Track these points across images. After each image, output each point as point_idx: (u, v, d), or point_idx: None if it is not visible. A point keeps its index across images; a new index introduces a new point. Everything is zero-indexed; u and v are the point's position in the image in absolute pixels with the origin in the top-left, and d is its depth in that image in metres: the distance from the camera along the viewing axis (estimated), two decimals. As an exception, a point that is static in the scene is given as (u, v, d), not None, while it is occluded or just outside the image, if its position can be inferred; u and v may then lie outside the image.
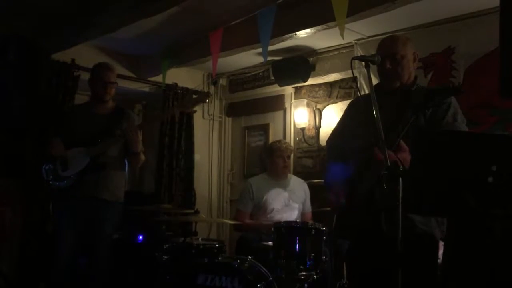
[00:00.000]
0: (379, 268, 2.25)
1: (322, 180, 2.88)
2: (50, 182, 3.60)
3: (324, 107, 5.28)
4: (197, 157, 5.80)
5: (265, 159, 4.60)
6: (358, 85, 4.34)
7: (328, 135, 2.97)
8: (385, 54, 2.49)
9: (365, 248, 2.40)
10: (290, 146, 4.62)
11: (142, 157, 3.75)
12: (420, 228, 2.39)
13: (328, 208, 2.80)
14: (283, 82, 5.28)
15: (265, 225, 4.19)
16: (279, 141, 4.66)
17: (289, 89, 5.59)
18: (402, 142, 2.19)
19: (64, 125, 3.75)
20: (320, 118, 5.27)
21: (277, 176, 4.45)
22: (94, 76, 3.71)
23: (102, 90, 3.65)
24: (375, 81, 2.48)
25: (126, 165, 3.81)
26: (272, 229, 3.47)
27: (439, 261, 2.48)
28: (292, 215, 4.33)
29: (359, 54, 4.33)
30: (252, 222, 4.36)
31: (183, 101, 5.09)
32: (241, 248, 4.19)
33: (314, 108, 5.30)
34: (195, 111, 4.98)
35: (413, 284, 2.15)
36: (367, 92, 3.61)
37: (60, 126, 3.80)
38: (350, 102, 2.94)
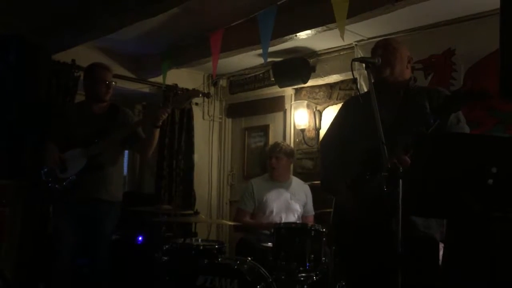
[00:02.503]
0: (380, 269, 2.24)
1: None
2: (49, 184, 3.60)
3: (324, 109, 5.28)
4: (196, 157, 5.80)
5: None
6: (358, 86, 4.33)
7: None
8: (378, 44, 2.60)
9: (371, 249, 2.38)
10: (285, 148, 4.48)
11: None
12: (422, 231, 2.39)
13: (328, 210, 2.79)
14: (283, 83, 5.28)
15: (265, 224, 4.20)
16: (275, 142, 4.67)
17: (289, 91, 5.59)
18: None
19: (61, 126, 3.74)
20: (320, 120, 5.26)
21: (274, 177, 4.45)
22: (93, 77, 3.69)
23: (103, 90, 3.64)
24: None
25: (125, 165, 3.81)
26: (272, 230, 3.47)
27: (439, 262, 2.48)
28: (292, 217, 4.33)
29: (359, 56, 4.34)
30: (251, 221, 4.36)
31: (177, 97, 5.05)
32: (242, 250, 4.18)
33: (314, 110, 5.30)
34: (195, 104, 4.91)
35: (414, 285, 2.15)
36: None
37: (56, 127, 3.79)
38: (346, 102, 2.93)
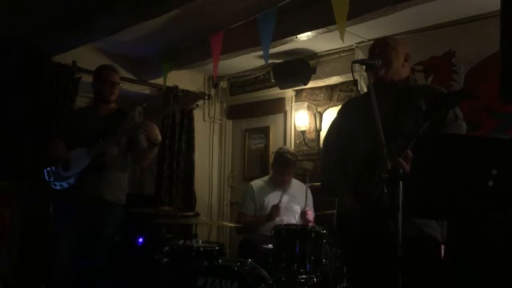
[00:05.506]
0: (382, 270, 2.24)
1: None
2: (51, 183, 3.60)
3: (324, 110, 5.28)
4: (197, 158, 5.79)
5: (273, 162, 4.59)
6: (359, 88, 4.34)
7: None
8: (376, 43, 2.61)
9: (372, 251, 2.38)
10: (294, 160, 4.43)
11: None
12: (423, 231, 2.39)
13: (328, 212, 2.79)
14: (283, 85, 5.28)
15: (265, 217, 4.20)
16: (288, 152, 4.48)
17: (289, 92, 5.59)
18: (409, 152, 2.18)
19: (68, 126, 3.75)
20: (320, 121, 5.27)
21: (277, 185, 4.45)
22: (99, 78, 3.71)
23: (108, 90, 3.65)
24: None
25: (128, 166, 3.80)
26: (272, 232, 3.47)
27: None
28: (293, 219, 4.33)
29: (359, 57, 4.35)
30: (252, 219, 4.35)
31: (183, 99, 5.08)
32: (244, 250, 4.18)
33: (315, 111, 5.30)
34: (196, 107, 4.93)
35: (415, 286, 2.15)
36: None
37: (63, 127, 3.80)
38: (345, 104, 2.93)
